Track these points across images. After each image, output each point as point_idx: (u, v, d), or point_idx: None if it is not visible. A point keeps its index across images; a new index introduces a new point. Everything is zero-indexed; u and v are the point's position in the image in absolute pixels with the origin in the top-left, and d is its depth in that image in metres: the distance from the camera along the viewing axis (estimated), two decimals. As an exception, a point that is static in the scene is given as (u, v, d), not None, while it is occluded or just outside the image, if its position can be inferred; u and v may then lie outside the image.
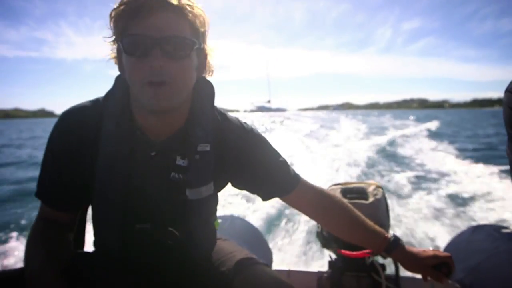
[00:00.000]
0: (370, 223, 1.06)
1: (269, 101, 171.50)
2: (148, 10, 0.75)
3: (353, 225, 1.05)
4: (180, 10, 0.78)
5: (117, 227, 0.88)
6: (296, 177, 1.03)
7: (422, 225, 3.98)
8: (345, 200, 1.52)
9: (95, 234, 0.96)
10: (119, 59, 0.85)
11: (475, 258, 1.54)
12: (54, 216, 0.92)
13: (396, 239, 1.05)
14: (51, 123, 0.96)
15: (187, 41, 0.79)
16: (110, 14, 0.79)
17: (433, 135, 16.69)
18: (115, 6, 0.78)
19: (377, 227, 1.06)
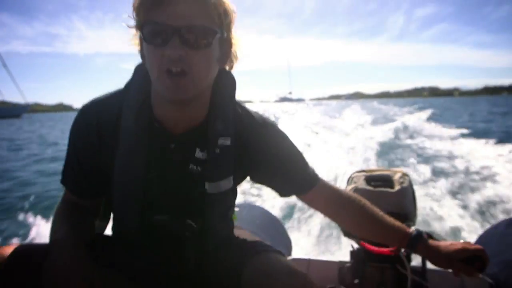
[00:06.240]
0: (390, 219, 1.01)
1: (290, 93, 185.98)
2: None
3: (371, 224, 1.01)
4: None
5: (136, 217, 0.89)
6: (315, 176, 1.01)
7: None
8: (369, 188, 1.46)
9: (114, 221, 0.97)
10: (141, 48, 0.84)
11: (511, 252, 1.44)
12: (76, 201, 0.95)
13: (419, 234, 1.00)
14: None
15: (208, 30, 0.76)
16: (133, 3, 0.78)
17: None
18: None
19: (397, 223, 1.01)
